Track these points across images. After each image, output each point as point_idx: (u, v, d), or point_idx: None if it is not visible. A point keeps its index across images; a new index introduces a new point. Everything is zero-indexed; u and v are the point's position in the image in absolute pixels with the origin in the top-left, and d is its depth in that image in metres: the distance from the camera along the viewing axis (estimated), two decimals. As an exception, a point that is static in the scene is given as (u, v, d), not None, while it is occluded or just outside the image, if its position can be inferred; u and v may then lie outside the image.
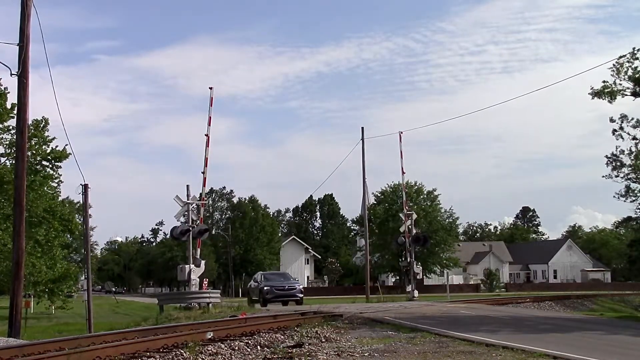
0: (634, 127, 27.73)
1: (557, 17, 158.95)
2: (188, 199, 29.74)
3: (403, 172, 44.63)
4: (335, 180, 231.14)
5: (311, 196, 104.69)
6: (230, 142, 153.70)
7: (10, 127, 31.63)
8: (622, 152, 28.71)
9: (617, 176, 29.23)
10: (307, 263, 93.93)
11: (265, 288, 29.77)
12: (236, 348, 11.22)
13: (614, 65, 25.35)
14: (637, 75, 25.16)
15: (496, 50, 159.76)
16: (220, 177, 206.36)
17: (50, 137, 34.29)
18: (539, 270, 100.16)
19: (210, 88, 32.95)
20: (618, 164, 28.89)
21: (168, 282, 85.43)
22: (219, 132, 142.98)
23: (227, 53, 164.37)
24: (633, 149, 28.17)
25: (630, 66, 25.24)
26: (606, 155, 29.34)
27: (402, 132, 42.88)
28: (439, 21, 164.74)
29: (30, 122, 30.13)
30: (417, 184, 72.51)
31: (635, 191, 30.02)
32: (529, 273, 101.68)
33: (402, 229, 42.80)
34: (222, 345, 11.40)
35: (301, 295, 30.55)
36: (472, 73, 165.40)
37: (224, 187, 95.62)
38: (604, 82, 25.79)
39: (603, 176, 29.63)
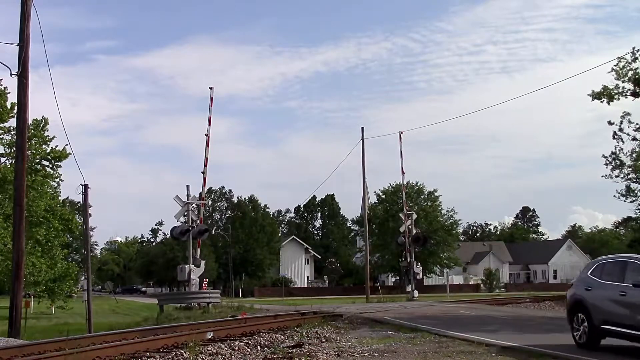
0: (635, 129, 27.54)
1: (555, 17, 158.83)
2: (188, 199, 29.79)
3: (403, 172, 44.73)
4: (335, 181, 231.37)
5: (314, 196, 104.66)
6: (230, 142, 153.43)
7: (10, 127, 31.66)
8: (621, 150, 28.46)
9: (617, 176, 29.01)
10: (307, 263, 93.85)
11: None
12: (236, 348, 11.22)
13: (613, 68, 25.26)
14: (637, 77, 25.08)
15: (495, 50, 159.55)
16: (220, 177, 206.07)
17: (50, 137, 34.34)
18: (539, 270, 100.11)
19: (211, 88, 33.02)
20: (617, 163, 28.64)
21: (168, 282, 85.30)
22: (218, 132, 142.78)
23: (226, 53, 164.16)
24: (637, 149, 27.96)
25: (630, 68, 25.19)
26: (604, 155, 29.03)
27: (402, 132, 42.98)
28: (437, 21, 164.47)
29: (30, 122, 30.12)
30: (418, 185, 72.65)
31: (636, 191, 29.80)
32: (529, 273, 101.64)
33: (402, 229, 42.85)
34: (222, 345, 11.41)
35: None
36: (471, 73, 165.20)
37: (224, 187, 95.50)
38: (604, 86, 25.71)
39: (602, 176, 29.45)
